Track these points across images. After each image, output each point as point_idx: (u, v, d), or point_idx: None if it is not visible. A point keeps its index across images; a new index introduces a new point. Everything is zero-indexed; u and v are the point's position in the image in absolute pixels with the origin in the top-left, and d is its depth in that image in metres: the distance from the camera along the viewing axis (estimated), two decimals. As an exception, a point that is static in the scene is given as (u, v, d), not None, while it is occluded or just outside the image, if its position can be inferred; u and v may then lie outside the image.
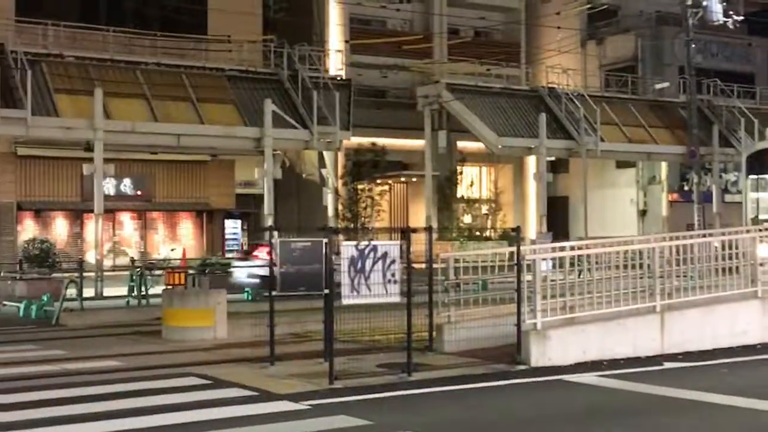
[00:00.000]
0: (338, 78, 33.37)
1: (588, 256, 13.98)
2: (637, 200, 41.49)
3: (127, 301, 22.56)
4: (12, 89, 25.88)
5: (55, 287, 22.82)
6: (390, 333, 14.13)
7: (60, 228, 30.76)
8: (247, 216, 34.03)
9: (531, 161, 39.84)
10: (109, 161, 27.12)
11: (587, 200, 35.75)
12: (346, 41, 37.83)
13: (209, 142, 29.53)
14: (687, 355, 13.38)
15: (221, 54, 31.38)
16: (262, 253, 23.26)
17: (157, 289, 22.83)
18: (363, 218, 34.48)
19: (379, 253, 11.69)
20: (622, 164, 41.41)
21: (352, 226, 33.51)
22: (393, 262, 11.74)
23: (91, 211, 27.07)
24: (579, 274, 13.83)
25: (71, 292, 20.94)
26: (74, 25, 29.54)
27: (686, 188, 39.97)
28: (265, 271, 14.00)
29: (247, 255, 26.88)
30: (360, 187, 34.86)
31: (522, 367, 12.27)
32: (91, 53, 28.83)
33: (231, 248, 32.95)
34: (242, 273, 24.38)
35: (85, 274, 24.00)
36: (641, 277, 14.05)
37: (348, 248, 11.66)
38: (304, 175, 33.07)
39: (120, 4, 32.04)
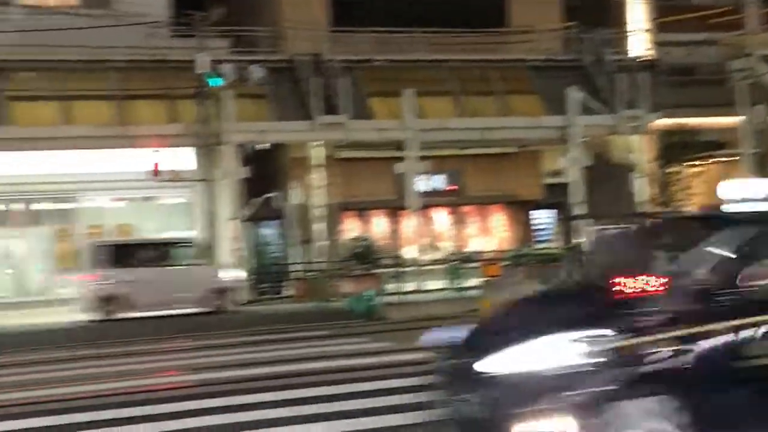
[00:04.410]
0: (643, 59, 32.58)
1: None
2: None
3: (445, 294, 23.39)
4: (330, 96, 27.56)
5: (378, 282, 24.05)
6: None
7: (379, 226, 32.31)
8: (557, 206, 34.02)
9: None
10: (421, 159, 28.16)
11: None
12: (650, 20, 36.76)
13: (515, 134, 29.87)
14: None
15: (523, 45, 31.59)
16: None
17: (472, 282, 23.59)
18: (675, 202, 33.42)
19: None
20: None
21: (664, 210, 32.59)
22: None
23: (407, 208, 28.29)
24: None
25: (392, 286, 22.05)
26: (383, 30, 30.90)
27: None
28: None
29: None
30: (671, 170, 33.80)
31: None
32: (399, 56, 30.08)
33: (541, 239, 33.08)
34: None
35: (403, 269, 25.21)
36: None
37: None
38: (612, 162, 32.52)
39: (425, 6, 33.05)
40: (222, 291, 23.67)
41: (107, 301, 22.86)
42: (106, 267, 23.19)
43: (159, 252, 24.45)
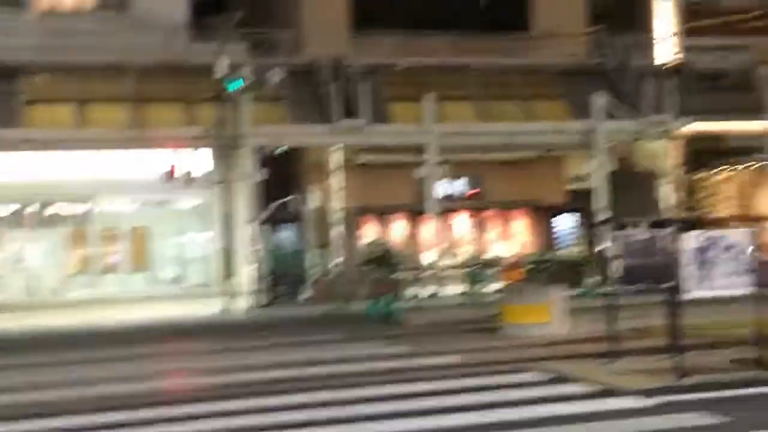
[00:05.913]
0: (670, 64, 32.10)
1: None
2: None
3: (464, 299, 22.96)
4: (349, 100, 27.22)
5: (396, 287, 23.67)
6: (739, 327, 13.22)
7: (398, 230, 31.85)
8: (580, 211, 33.48)
9: None
10: (442, 163, 27.76)
11: None
12: (678, 25, 36.20)
13: (538, 138, 29.41)
14: None
15: (547, 50, 31.16)
16: None
17: (493, 287, 23.17)
18: (702, 208, 32.85)
19: (727, 244, 11.00)
20: None
21: (691, 216, 32.04)
22: (743, 252, 11.00)
23: (426, 212, 27.87)
24: None
25: (411, 291, 21.67)
26: (404, 33, 30.53)
27: None
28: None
29: None
30: (698, 176, 33.22)
31: None
32: (421, 60, 29.70)
33: (563, 244, 32.55)
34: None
35: (422, 273, 24.83)
36: None
37: (692, 239, 11.06)
38: (637, 167, 31.98)
39: (446, 10, 32.66)
40: None
41: None
42: None
43: None
